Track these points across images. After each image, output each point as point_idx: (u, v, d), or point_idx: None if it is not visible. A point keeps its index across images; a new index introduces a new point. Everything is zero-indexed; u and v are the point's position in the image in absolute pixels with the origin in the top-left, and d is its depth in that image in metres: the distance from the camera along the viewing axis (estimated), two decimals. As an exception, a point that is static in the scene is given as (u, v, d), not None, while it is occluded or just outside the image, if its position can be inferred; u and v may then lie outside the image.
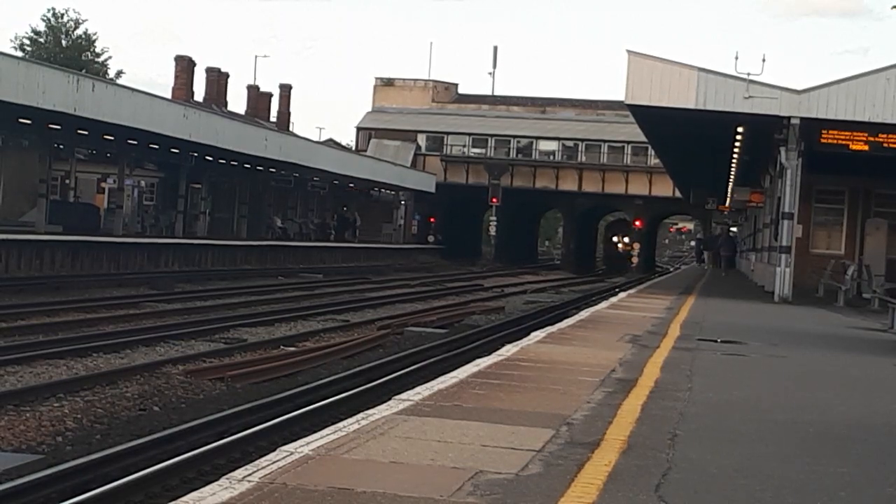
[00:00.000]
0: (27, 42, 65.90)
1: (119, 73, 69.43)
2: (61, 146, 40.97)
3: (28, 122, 33.62)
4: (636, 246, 75.95)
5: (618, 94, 28.91)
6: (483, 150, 72.05)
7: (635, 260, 74.72)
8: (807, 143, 26.34)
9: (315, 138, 70.23)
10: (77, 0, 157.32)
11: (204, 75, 66.24)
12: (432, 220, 71.51)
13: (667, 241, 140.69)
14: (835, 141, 26.13)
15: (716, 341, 14.34)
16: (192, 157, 43.40)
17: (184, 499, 4.93)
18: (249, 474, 5.35)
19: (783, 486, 5.82)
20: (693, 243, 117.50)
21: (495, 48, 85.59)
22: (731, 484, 5.77)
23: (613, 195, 70.36)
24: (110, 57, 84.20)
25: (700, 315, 19.66)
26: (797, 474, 6.20)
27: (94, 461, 8.99)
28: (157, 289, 29.40)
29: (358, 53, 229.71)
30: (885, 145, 25.98)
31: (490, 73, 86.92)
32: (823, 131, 26.10)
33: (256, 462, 5.69)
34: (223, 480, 5.23)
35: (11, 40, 66.99)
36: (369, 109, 76.43)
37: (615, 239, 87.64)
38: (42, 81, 29.31)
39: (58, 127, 34.40)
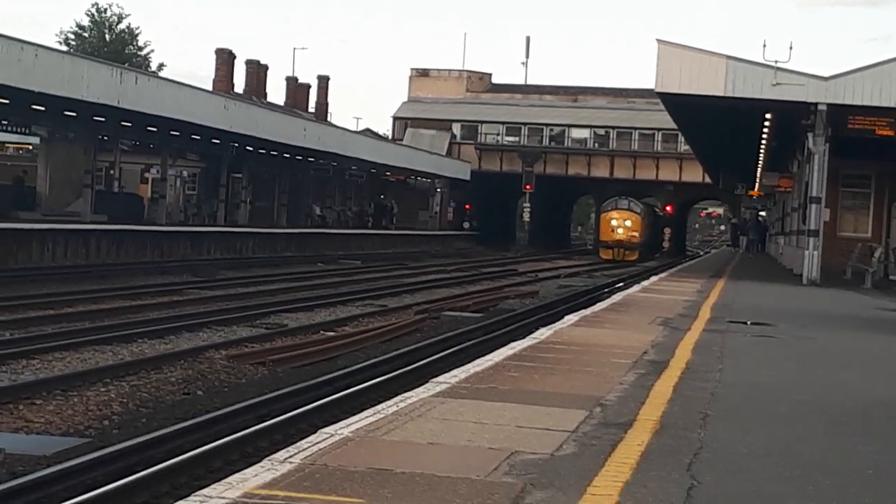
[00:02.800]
0: (72, 37, 66.53)
1: (161, 66, 69.88)
2: (106, 138, 41.35)
3: (73, 114, 34.04)
4: (666, 231, 75.12)
5: (648, 83, 28.88)
6: (516, 138, 71.96)
7: (666, 244, 74.13)
8: (834, 128, 26.32)
9: (352, 128, 70.48)
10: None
11: (244, 67, 66.61)
12: (467, 206, 71.56)
13: (697, 225, 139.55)
14: (861, 126, 26.14)
15: (745, 323, 14.35)
16: (233, 148, 43.76)
17: (227, 480, 5.01)
18: (291, 456, 5.44)
19: (812, 465, 5.92)
20: (724, 227, 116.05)
21: (528, 38, 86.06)
22: (762, 463, 5.87)
23: (644, 181, 70.21)
24: (152, 50, 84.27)
25: (730, 298, 19.65)
26: (825, 453, 6.29)
27: (140, 444, 9.12)
28: (199, 276, 29.71)
29: (394, 45, 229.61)
30: (910, 131, 25.92)
31: (523, 63, 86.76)
32: (850, 117, 26.11)
33: (297, 444, 5.78)
34: (265, 462, 5.33)
35: (56, 35, 67.88)
36: (405, 99, 76.49)
37: (614, 223, 59.07)
38: (87, 75, 29.69)
39: (102, 119, 34.78)
